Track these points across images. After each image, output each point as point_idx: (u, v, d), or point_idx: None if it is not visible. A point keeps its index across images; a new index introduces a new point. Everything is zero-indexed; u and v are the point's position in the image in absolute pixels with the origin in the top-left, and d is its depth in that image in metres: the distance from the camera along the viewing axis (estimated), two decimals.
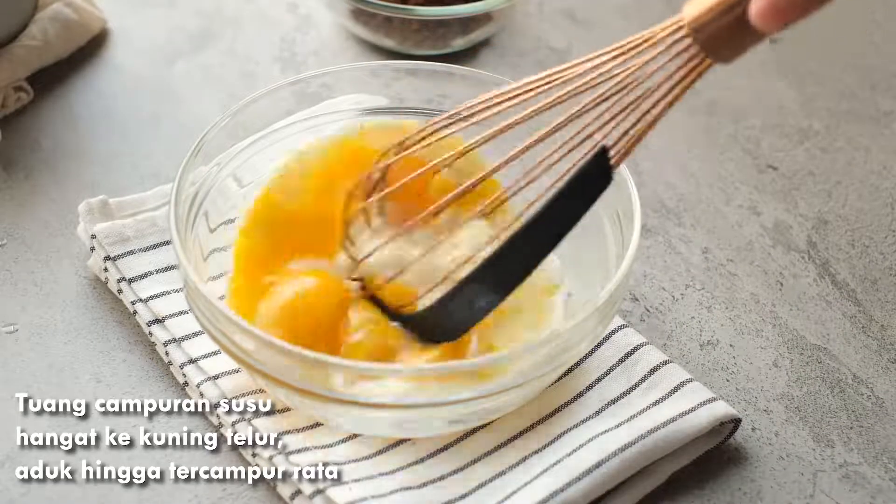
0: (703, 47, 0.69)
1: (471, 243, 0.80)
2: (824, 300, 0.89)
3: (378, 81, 0.88)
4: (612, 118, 0.72)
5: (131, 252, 0.86)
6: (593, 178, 0.73)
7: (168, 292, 0.84)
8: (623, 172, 0.80)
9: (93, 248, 0.87)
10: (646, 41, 0.71)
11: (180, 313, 0.83)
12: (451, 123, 0.77)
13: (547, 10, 1.11)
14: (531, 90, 0.74)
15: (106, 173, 0.95)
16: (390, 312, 0.78)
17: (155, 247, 0.87)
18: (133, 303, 0.84)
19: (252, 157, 0.85)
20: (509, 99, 0.75)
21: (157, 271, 0.85)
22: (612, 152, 0.72)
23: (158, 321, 0.83)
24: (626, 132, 0.72)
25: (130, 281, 0.85)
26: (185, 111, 1.00)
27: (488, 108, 0.76)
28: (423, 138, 0.78)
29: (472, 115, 0.76)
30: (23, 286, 0.87)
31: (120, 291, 0.85)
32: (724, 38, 0.69)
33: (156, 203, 0.89)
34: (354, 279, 0.79)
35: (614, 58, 0.72)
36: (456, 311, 0.76)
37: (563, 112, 0.74)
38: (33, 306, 0.86)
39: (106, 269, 0.86)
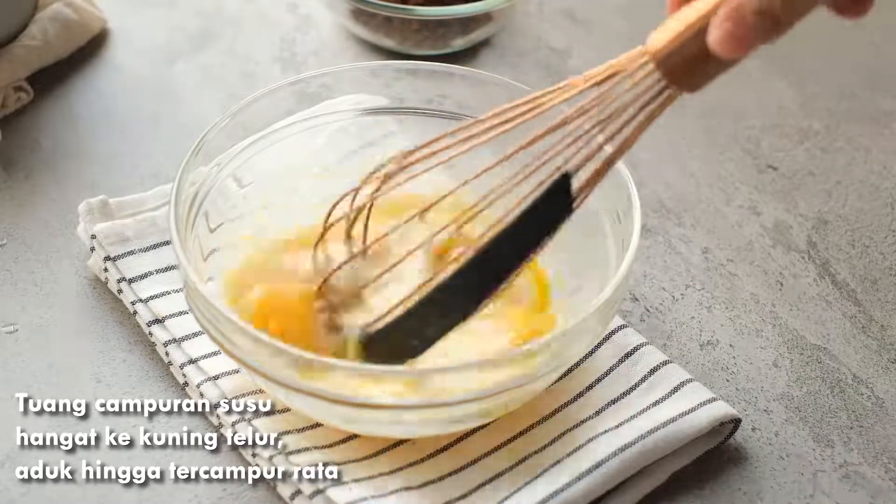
0: (668, 77, 0.69)
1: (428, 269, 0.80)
2: (824, 300, 0.89)
3: (378, 81, 0.88)
4: (576, 145, 0.72)
5: (131, 252, 0.86)
6: (553, 205, 0.73)
7: (168, 292, 0.84)
8: (623, 172, 0.80)
9: (93, 248, 0.87)
10: (612, 72, 0.71)
11: (180, 313, 0.83)
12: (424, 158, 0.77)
13: (547, 10, 1.11)
14: (499, 124, 0.74)
15: (106, 173, 0.95)
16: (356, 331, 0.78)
17: (155, 247, 0.87)
18: (133, 303, 0.84)
19: (252, 157, 0.85)
20: (475, 136, 0.75)
21: (157, 271, 0.85)
22: (574, 182, 0.72)
23: (158, 321, 0.83)
24: (589, 159, 0.72)
25: (130, 281, 0.85)
26: (185, 111, 1.00)
27: (453, 146, 0.75)
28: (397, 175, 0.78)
29: (435, 153, 0.76)
30: (23, 286, 0.87)
31: (120, 291, 0.85)
32: (688, 67, 0.68)
33: (156, 203, 0.89)
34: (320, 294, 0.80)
35: (576, 90, 0.72)
36: (406, 335, 0.75)
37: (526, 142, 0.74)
38: (33, 306, 0.86)
39: (106, 270, 0.86)
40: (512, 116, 0.74)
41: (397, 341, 0.76)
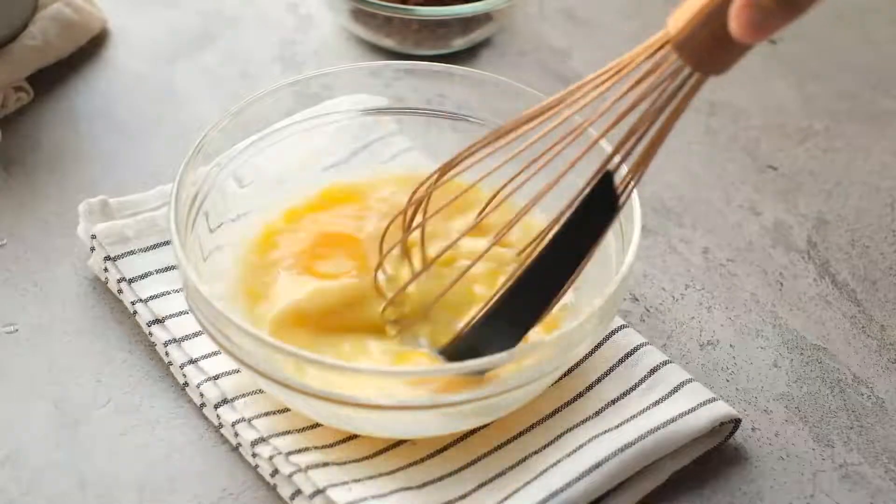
0: (690, 62, 0.68)
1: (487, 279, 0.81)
2: (824, 300, 0.89)
3: (378, 81, 0.88)
4: (616, 146, 0.71)
5: (131, 252, 0.86)
6: (599, 206, 0.72)
7: (168, 292, 0.84)
8: (623, 172, 0.80)
9: (93, 248, 0.87)
10: (632, 62, 0.70)
11: (180, 313, 0.83)
12: (463, 160, 0.77)
13: (547, 10, 1.11)
14: (535, 127, 0.74)
15: (106, 173, 0.95)
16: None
17: (155, 247, 0.87)
18: (133, 303, 0.84)
19: (252, 157, 0.85)
20: (512, 131, 0.75)
21: (157, 271, 0.85)
22: (617, 181, 0.72)
23: (158, 321, 0.83)
24: (628, 157, 0.72)
25: (130, 281, 0.85)
26: (185, 111, 1.00)
27: (494, 141, 0.75)
28: (446, 173, 0.78)
29: (485, 148, 0.76)
30: (23, 286, 0.87)
31: (120, 291, 0.85)
32: (708, 51, 0.68)
33: (156, 203, 0.89)
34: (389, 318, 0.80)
35: (603, 83, 0.71)
36: (475, 348, 0.75)
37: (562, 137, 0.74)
38: (33, 306, 0.86)
39: (106, 269, 0.86)
40: (544, 118, 0.73)
41: (465, 356, 0.75)
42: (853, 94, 1.04)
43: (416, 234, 0.80)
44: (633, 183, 0.73)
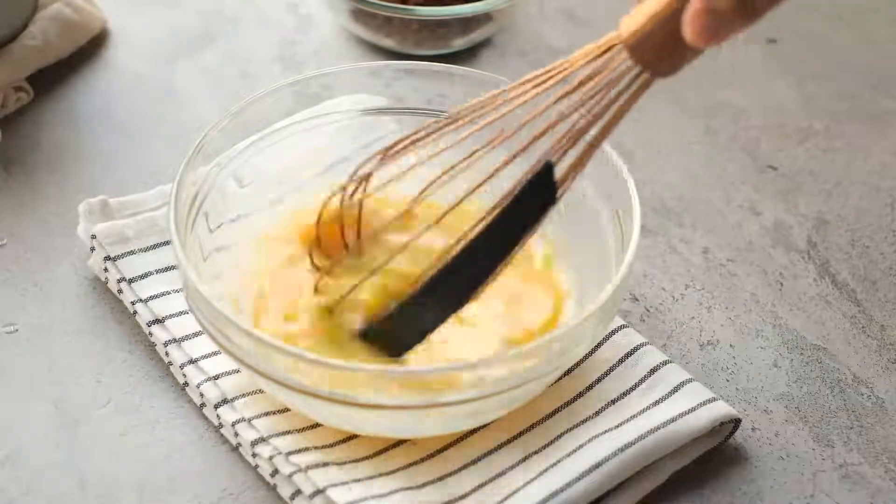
0: (642, 63, 0.69)
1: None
2: (824, 300, 0.89)
3: (378, 81, 0.88)
4: (556, 133, 0.72)
5: (131, 252, 0.86)
6: (538, 194, 0.73)
7: (168, 292, 0.84)
8: (623, 172, 0.80)
9: (93, 248, 0.87)
10: (588, 59, 0.71)
11: (180, 313, 0.83)
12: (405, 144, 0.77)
13: (547, 10, 1.11)
14: (468, 116, 0.74)
15: (106, 173, 0.95)
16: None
17: (155, 247, 0.87)
18: (133, 303, 0.84)
19: (252, 157, 0.85)
20: (445, 126, 0.75)
21: (157, 271, 0.85)
22: (557, 171, 0.72)
23: (158, 321, 0.83)
24: (566, 152, 0.72)
25: (130, 281, 0.85)
26: (185, 111, 1.00)
27: (432, 134, 0.76)
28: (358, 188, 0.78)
29: (416, 142, 0.76)
30: (23, 286, 0.87)
31: (120, 291, 0.85)
32: (660, 53, 0.68)
33: (156, 203, 0.89)
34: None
35: (553, 77, 0.72)
36: (401, 328, 0.76)
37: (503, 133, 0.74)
38: (33, 306, 0.86)
39: (106, 269, 0.86)
40: (488, 110, 0.74)
41: (392, 335, 0.76)
42: (853, 94, 1.04)
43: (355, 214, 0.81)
44: (570, 179, 0.73)
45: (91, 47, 1.04)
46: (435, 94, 0.88)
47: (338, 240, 0.82)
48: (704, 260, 0.91)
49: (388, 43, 1.05)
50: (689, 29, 0.66)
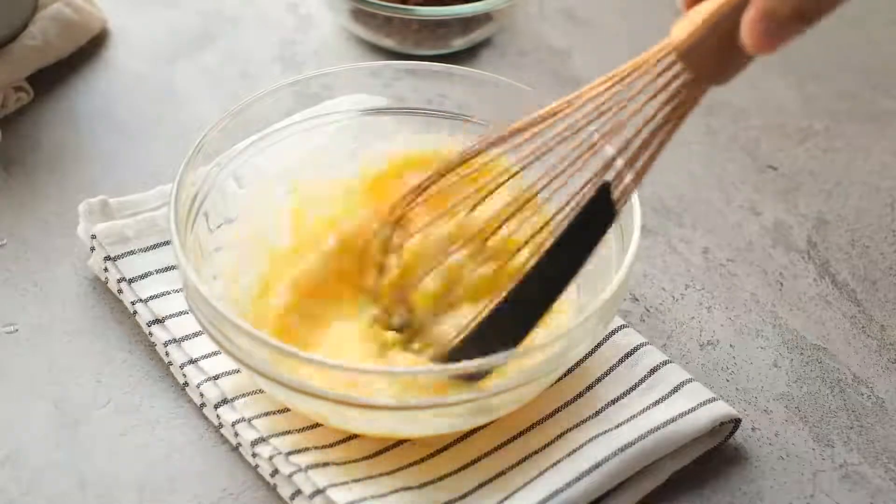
0: (695, 71, 0.68)
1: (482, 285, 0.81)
2: (824, 300, 0.89)
3: (378, 81, 0.88)
4: (615, 152, 0.71)
5: (131, 252, 0.86)
6: (597, 215, 0.73)
7: (168, 292, 0.84)
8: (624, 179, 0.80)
9: (93, 248, 0.87)
10: (636, 70, 0.70)
11: (180, 313, 0.83)
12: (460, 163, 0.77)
13: (547, 10, 1.11)
14: (528, 129, 0.74)
15: (106, 173, 0.95)
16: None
17: (155, 247, 0.87)
18: (133, 303, 0.84)
19: (252, 157, 0.85)
20: (507, 138, 0.75)
21: (157, 271, 0.85)
22: (615, 188, 0.72)
23: (158, 321, 0.83)
24: (629, 164, 0.71)
25: (130, 281, 0.85)
26: (185, 111, 1.00)
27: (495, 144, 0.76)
28: (429, 186, 0.78)
29: (481, 152, 0.76)
30: (23, 286, 0.87)
31: (120, 291, 0.85)
32: (712, 60, 0.67)
33: (156, 203, 0.89)
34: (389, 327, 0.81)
35: (607, 90, 0.71)
36: (472, 356, 0.76)
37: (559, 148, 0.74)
38: (33, 306, 0.86)
39: (106, 269, 0.86)
40: (546, 124, 0.73)
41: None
42: (853, 94, 1.04)
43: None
44: (631, 190, 0.73)
45: (91, 47, 1.04)
46: (435, 94, 0.88)
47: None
48: (704, 260, 0.91)
49: (388, 43, 1.05)
50: (747, 35, 0.65)
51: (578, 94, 0.72)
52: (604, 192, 0.72)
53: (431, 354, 0.78)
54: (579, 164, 0.73)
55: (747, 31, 0.65)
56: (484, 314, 0.76)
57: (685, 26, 0.68)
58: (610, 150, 0.73)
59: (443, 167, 0.78)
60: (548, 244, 0.74)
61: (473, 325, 0.76)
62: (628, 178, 0.72)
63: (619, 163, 0.72)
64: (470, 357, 0.73)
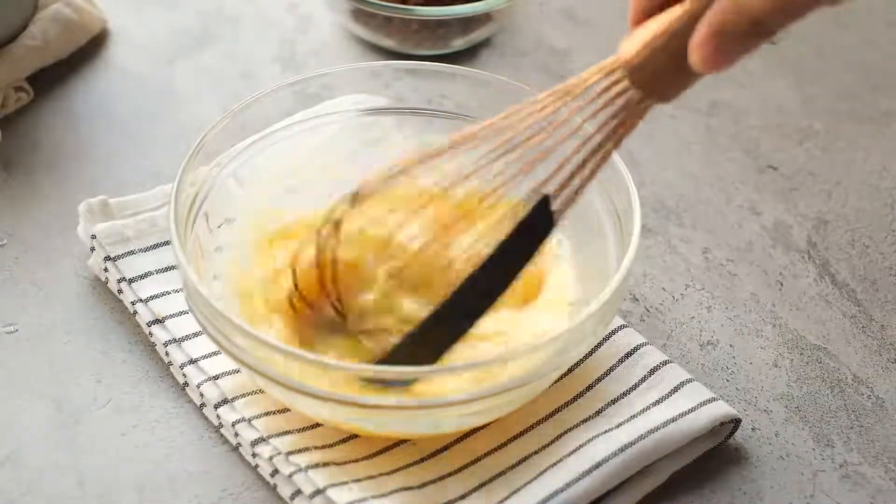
0: (641, 88, 0.68)
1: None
2: (824, 300, 0.89)
3: (378, 81, 0.88)
4: (555, 158, 0.72)
5: (131, 252, 0.86)
6: (535, 226, 0.73)
7: (168, 292, 0.84)
8: (623, 172, 0.80)
9: (93, 249, 0.87)
10: (582, 83, 0.70)
11: (180, 313, 0.83)
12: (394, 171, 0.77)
13: (547, 10, 1.11)
14: (464, 143, 0.74)
15: (106, 173, 0.95)
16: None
17: (155, 247, 0.87)
18: (133, 303, 0.84)
19: (252, 157, 0.85)
20: (439, 154, 0.75)
21: (157, 271, 0.85)
22: (554, 201, 0.72)
23: (158, 321, 0.83)
24: (569, 179, 0.72)
25: (130, 281, 0.85)
26: (185, 111, 1.00)
27: (422, 161, 0.75)
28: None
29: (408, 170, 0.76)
30: (23, 286, 0.87)
31: (120, 291, 0.85)
32: (661, 78, 0.67)
33: (156, 203, 0.89)
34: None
35: (550, 104, 0.71)
36: (411, 355, 0.76)
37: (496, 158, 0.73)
38: (33, 306, 0.86)
39: (106, 270, 0.86)
40: (486, 136, 0.73)
41: (403, 361, 0.76)
42: (853, 94, 1.04)
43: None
44: (569, 205, 0.73)
45: (91, 47, 1.04)
46: (435, 94, 0.88)
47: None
48: (704, 260, 0.91)
49: (388, 43, 1.05)
50: (696, 55, 0.64)
51: (516, 109, 0.72)
52: (543, 204, 0.72)
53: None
54: (519, 177, 0.73)
55: (697, 50, 0.64)
56: (416, 325, 0.76)
57: (634, 43, 0.68)
58: (547, 166, 0.73)
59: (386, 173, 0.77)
60: (484, 254, 0.74)
61: (407, 333, 0.77)
62: (567, 192, 0.72)
63: (560, 178, 0.71)
64: (401, 359, 0.75)
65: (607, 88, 0.69)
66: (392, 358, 0.77)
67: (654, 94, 0.68)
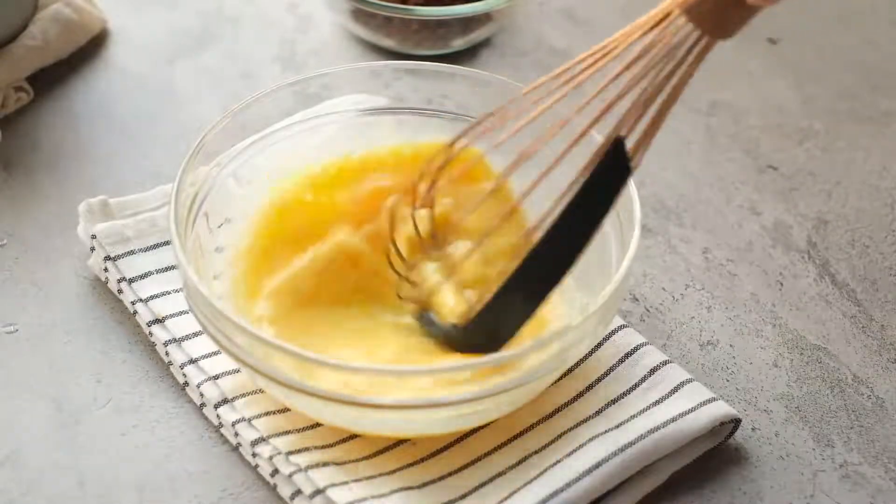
0: (699, 25, 0.69)
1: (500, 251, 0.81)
2: (824, 300, 0.89)
3: (378, 81, 0.88)
4: (627, 112, 0.72)
5: (131, 252, 0.86)
6: (612, 171, 0.73)
7: (168, 292, 0.84)
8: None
9: (93, 249, 0.87)
10: (640, 27, 0.71)
11: (180, 313, 0.83)
12: (476, 131, 0.77)
13: (547, 10, 1.11)
14: (541, 89, 0.74)
15: (106, 173, 0.95)
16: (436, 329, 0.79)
17: (155, 247, 0.87)
18: (133, 303, 0.84)
19: (252, 157, 0.85)
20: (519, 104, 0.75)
21: (157, 271, 0.85)
22: (628, 144, 0.72)
23: (158, 321, 0.83)
24: (637, 122, 0.72)
25: (130, 281, 0.85)
26: (185, 111, 1.00)
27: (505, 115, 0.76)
28: (453, 153, 0.78)
29: (495, 123, 0.76)
30: (23, 286, 0.87)
31: (120, 291, 0.85)
32: (718, 13, 0.68)
33: (156, 203, 0.89)
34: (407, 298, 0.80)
35: (612, 50, 0.72)
36: (496, 321, 0.76)
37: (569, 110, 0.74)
38: (33, 306, 0.86)
39: (106, 269, 0.86)
40: (554, 88, 0.74)
41: (484, 332, 0.76)
42: (853, 94, 1.04)
43: (425, 212, 0.81)
44: (642, 150, 0.73)
45: (91, 47, 1.04)
46: (435, 94, 0.88)
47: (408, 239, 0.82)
48: (704, 260, 0.91)
49: (388, 43, 1.05)
50: None
51: (578, 60, 0.73)
52: (619, 147, 0.72)
53: (457, 318, 0.78)
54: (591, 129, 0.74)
55: None
56: (502, 282, 0.76)
57: None
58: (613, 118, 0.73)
59: (451, 142, 0.78)
60: (564, 204, 0.74)
61: (494, 293, 0.76)
62: (638, 139, 0.72)
63: (628, 124, 0.72)
64: (484, 326, 0.75)
65: (665, 29, 0.70)
66: (473, 328, 0.76)
67: (713, 29, 0.69)
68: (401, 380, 0.74)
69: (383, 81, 0.89)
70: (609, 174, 0.73)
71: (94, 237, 0.86)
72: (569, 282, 0.83)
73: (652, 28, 0.71)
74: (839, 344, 0.86)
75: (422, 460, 0.77)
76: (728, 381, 0.84)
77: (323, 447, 0.77)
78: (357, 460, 0.77)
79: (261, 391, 0.79)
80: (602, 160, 0.73)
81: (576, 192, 0.73)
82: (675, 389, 0.80)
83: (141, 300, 0.84)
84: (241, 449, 0.78)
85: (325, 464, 0.76)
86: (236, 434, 0.78)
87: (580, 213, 0.74)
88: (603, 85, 0.72)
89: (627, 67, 0.71)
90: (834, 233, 0.93)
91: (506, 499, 0.75)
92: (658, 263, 0.91)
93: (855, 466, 0.80)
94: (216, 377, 0.80)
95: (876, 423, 0.82)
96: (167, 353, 0.82)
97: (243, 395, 0.79)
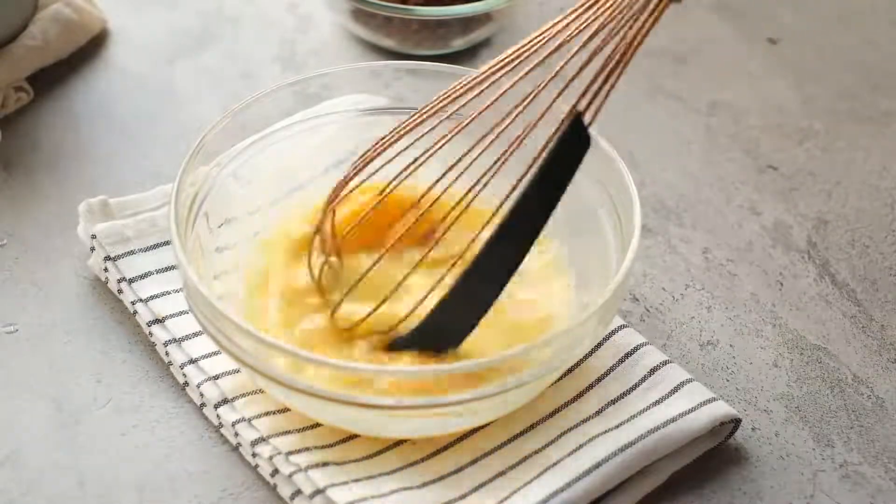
0: None
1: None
2: (824, 300, 0.89)
3: (378, 81, 0.88)
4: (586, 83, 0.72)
5: (131, 252, 0.86)
6: (572, 145, 0.73)
7: (168, 292, 0.84)
8: (623, 172, 0.80)
9: (93, 249, 0.87)
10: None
11: (180, 313, 0.83)
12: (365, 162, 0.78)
13: (547, 10, 1.10)
14: (467, 87, 0.75)
15: (106, 173, 0.95)
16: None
17: (155, 247, 0.87)
18: (133, 303, 0.84)
19: (252, 157, 0.85)
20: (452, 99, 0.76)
21: (157, 271, 0.85)
22: (585, 115, 0.73)
23: (158, 321, 0.83)
24: (591, 90, 0.72)
25: (130, 281, 0.85)
26: (185, 111, 1.00)
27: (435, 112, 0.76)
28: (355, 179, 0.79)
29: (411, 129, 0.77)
30: (23, 286, 0.87)
31: (120, 291, 0.85)
32: None
33: (156, 203, 0.89)
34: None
35: (563, 20, 0.73)
36: (457, 312, 0.76)
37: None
38: (33, 306, 0.86)
39: (106, 270, 0.86)
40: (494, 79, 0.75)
41: (447, 323, 0.76)
42: (853, 94, 1.04)
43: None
44: (595, 116, 0.73)
45: (91, 47, 1.04)
46: (435, 94, 0.87)
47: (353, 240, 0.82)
48: (704, 260, 0.91)
49: (388, 43, 1.05)
50: None
51: (534, 36, 0.75)
52: (577, 121, 0.73)
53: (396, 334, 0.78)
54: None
55: None
56: (461, 272, 0.75)
57: None
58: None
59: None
60: (524, 183, 0.74)
61: (452, 285, 0.76)
62: (594, 106, 0.73)
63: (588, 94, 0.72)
64: (445, 320, 0.75)
65: None
66: (425, 328, 0.76)
67: None
68: (399, 380, 0.74)
69: (383, 81, 0.89)
70: (569, 148, 0.73)
71: (94, 237, 0.86)
72: (569, 282, 0.83)
73: None
74: (839, 344, 0.86)
75: (421, 460, 0.77)
76: (728, 381, 0.84)
77: (323, 447, 0.77)
78: (357, 460, 0.77)
79: (261, 391, 0.79)
80: (562, 136, 0.73)
81: (537, 170, 0.73)
82: (675, 389, 0.80)
83: (141, 300, 0.84)
84: (241, 449, 0.78)
85: (325, 464, 0.76)
86: (236, 434, 0.78)
87: (541, 190, 0.74)
88: (542, 58, 0.73)
89: (581, 30, 0.72)
90: (834, 233, 0.93)
91: (506, 499, 0.75)
92: (658, 263, 0.91)
93: (855, 466, 0.80)
94: (216, 377, 0.80)
95: (876, 423, 0.82)
96: (167, 353, 0.82)
97: (243, 395, 0.79)
